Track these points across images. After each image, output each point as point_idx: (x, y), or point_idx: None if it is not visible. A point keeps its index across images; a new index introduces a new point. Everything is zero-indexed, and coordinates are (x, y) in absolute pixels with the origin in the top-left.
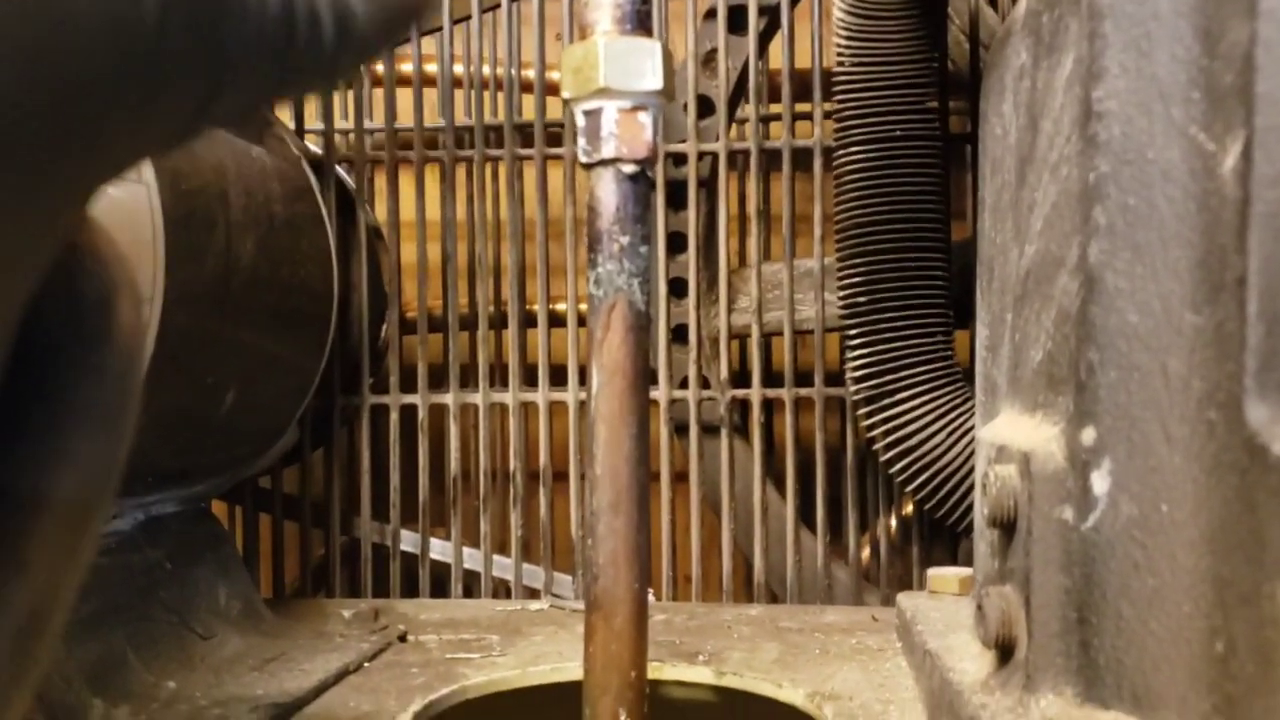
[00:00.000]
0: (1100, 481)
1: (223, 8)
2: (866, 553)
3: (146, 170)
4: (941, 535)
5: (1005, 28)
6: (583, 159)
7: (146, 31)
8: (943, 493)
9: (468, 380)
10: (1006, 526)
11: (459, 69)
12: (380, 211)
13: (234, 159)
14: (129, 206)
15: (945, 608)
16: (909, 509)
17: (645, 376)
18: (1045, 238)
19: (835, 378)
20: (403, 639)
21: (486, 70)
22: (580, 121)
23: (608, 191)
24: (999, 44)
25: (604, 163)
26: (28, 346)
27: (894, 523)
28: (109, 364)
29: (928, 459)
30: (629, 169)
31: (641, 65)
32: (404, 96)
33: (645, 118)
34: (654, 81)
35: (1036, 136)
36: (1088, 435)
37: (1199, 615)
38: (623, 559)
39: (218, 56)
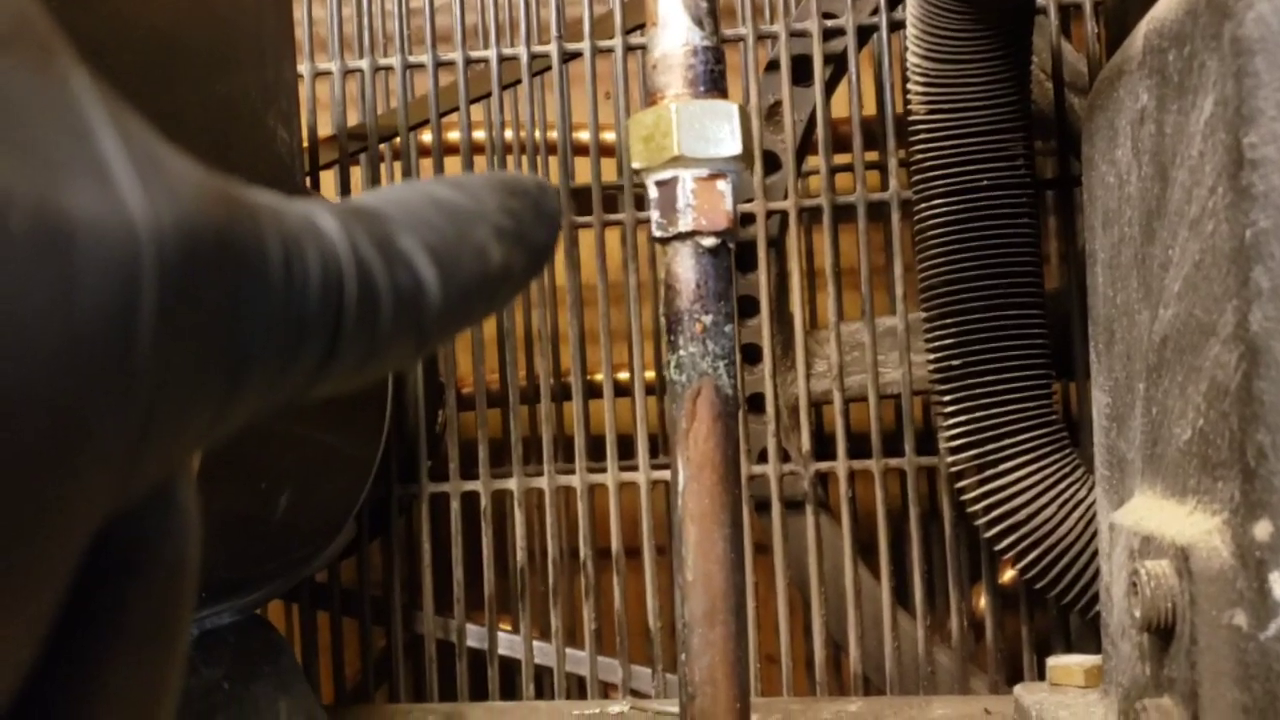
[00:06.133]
0: None
1: (238, 298)
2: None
3: None
4: (1044, 606)
5: (1114, 66)
6: (657, 233)
7: (137, 353)
8: (1056, 570)
9: (530, 457)
10: (1163, 631)
11: (509, 134)
12: None
13: None
14: None
15: (1073, 705)
16: (1007, 576)
17: (737, 468)
18: (1186, 301)
19: (924, 443)
20: None
21: (538, 134)
22: (653, 193)
23: (686, 267)
24: (1107, 83)
25: (681, 236)
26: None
27: (994, 597)
28: (157, 589)
29: (1038, 534)
30: (709, 242)
31: (719, 130)
32: (451, 165)
33: (724, 186)
34: (733, 146)
35: (1167, 187)
36: (1262, 530)
37: None
38: (721, 675)
39: (236, 357)
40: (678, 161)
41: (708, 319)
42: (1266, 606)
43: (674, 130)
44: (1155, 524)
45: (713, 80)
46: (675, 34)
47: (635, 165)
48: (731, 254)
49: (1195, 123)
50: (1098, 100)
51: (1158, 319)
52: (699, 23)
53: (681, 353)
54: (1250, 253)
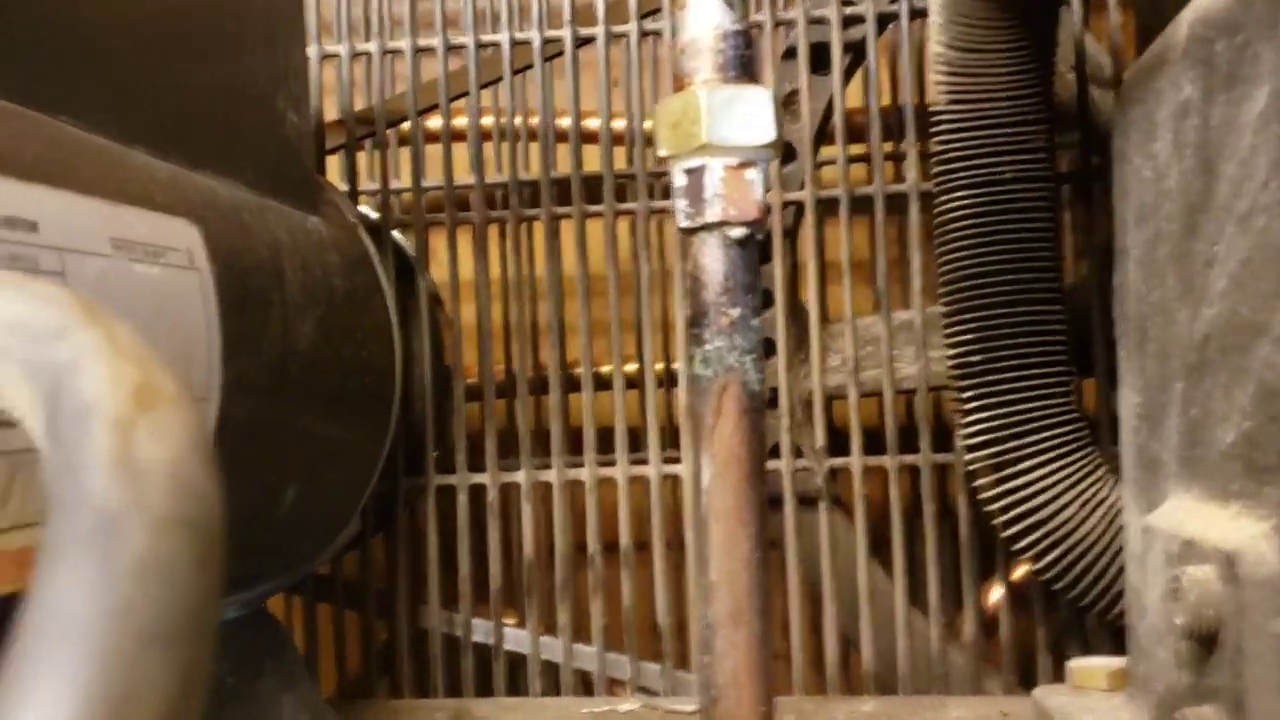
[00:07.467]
0: None
1: None
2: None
3: (199, 255)
4: (1056, 606)
5: (1153, 56)
6: (683, 223)
7: None
8: (1076, 570)
9: (537, 450)
10: (1205, 639)
11: (518, 120)
12: (439, 274)
13: (288, 231)
14: (180, 297)
15: (1097, 709)
16: (1017, 574)
17: (763, 466)
18: (1232, 299)
19: (940, 440)
20: None
21: (535, 121)
22: (680, 181)
23: (713, 259)
24: (1143, 75)
25: (708, 227)
26: None
27: (1011, 597)
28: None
29: (1060, 534)
30: (737, 233)
31: (749, 117)
32: (459, 151)
33: (754, 174)
34: (764, 134)
35: (1214, 182)
36: None
37: None
38: (746, 678)
39: None
40: (706, 149)
41: (735, 312)
42: None
43: (702, 117)
44: (1196, 528)
45: (743, 65)
46: (704, 17)
47: (662, 153)
48: (758, 246)
49: (1247, 114)
50: (1133, 93)
51: (1199, 317)
52: (729, 4)
53: (708, 347)
54: None
